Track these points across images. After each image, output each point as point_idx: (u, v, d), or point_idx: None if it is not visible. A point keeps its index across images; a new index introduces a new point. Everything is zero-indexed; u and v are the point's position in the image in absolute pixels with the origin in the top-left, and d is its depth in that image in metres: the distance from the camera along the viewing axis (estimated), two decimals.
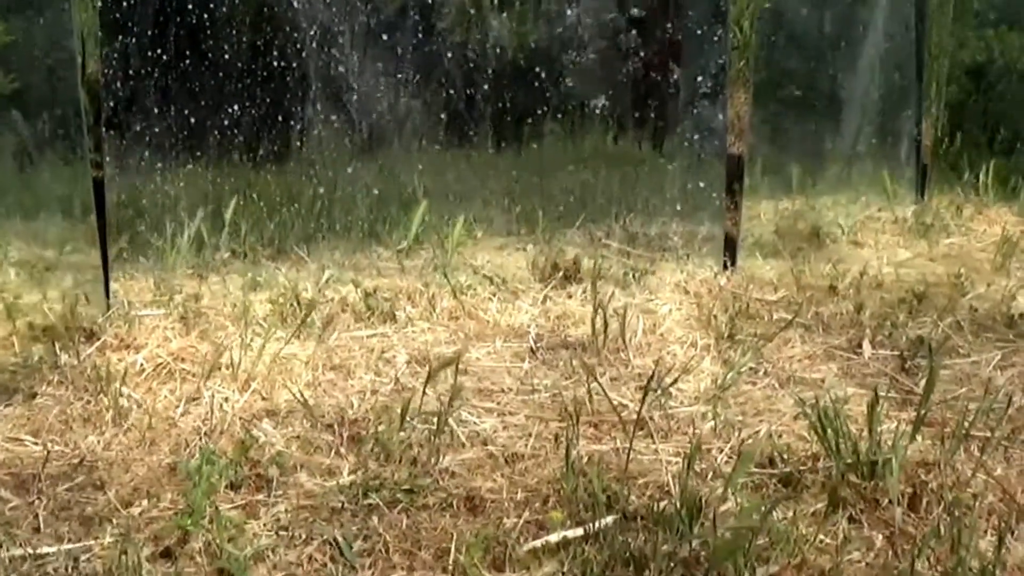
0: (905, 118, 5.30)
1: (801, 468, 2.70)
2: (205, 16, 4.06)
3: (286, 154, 4.35)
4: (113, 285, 3.84)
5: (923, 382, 3.25)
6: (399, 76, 4.38)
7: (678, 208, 4.27)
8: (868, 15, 4.97)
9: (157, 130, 4.04)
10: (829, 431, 2.66)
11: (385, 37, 4.32)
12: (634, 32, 4.37)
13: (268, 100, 4.22)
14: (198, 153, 4.17)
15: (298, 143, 4.32)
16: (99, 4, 3.93)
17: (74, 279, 3.73)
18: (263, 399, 3.11)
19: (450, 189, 4.56)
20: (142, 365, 3.25)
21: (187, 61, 4.05)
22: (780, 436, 2.93)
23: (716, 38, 3.99)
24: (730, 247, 4.26)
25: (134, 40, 3.91)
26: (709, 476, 2.70)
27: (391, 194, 4.46)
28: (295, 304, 3.69)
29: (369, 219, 4.41)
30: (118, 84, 3.91)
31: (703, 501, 2.46)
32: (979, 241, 4.85)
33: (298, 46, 4.22)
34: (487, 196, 4.58)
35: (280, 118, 4.27)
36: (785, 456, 2.77)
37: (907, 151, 5.32)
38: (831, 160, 5.03)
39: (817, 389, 3.24)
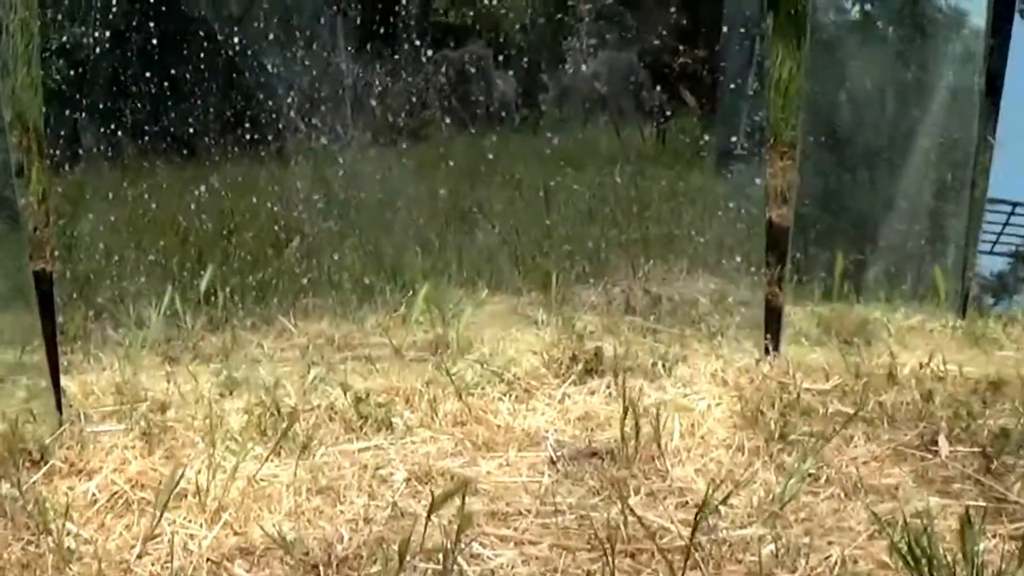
0: (952, 225, 4.85)
1: None
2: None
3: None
4: (67, 382, 3.37)
5: (1016, 485, 2.80)
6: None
7: (711, 287, 3.81)
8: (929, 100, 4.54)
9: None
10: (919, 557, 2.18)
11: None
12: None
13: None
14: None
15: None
16: None
17: (27, 389, 3.28)
18: (236, 533, 2.62)
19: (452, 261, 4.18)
20: (94, 495, 2.78)
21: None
22: (856, 562, 2.44)
23: (751, 92, 3.58)
24: (772, 329, 3.76)
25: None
26: None
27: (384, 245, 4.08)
28: (275, 413, 3.21)
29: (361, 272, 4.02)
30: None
31: None
32: None
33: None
34: (492, 251, 4.19)
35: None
36: None
37: (954, 262, 4.85)
38: (873, 256, 4.60)
39: (891, 499, 2.75)
